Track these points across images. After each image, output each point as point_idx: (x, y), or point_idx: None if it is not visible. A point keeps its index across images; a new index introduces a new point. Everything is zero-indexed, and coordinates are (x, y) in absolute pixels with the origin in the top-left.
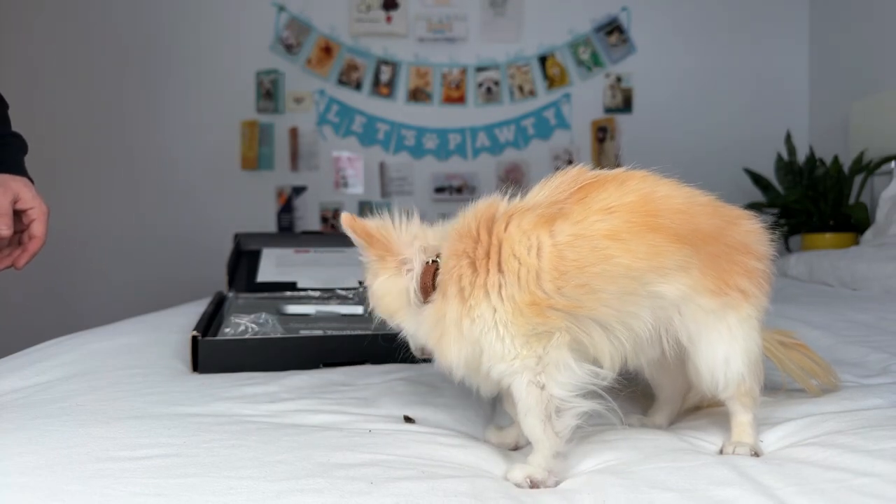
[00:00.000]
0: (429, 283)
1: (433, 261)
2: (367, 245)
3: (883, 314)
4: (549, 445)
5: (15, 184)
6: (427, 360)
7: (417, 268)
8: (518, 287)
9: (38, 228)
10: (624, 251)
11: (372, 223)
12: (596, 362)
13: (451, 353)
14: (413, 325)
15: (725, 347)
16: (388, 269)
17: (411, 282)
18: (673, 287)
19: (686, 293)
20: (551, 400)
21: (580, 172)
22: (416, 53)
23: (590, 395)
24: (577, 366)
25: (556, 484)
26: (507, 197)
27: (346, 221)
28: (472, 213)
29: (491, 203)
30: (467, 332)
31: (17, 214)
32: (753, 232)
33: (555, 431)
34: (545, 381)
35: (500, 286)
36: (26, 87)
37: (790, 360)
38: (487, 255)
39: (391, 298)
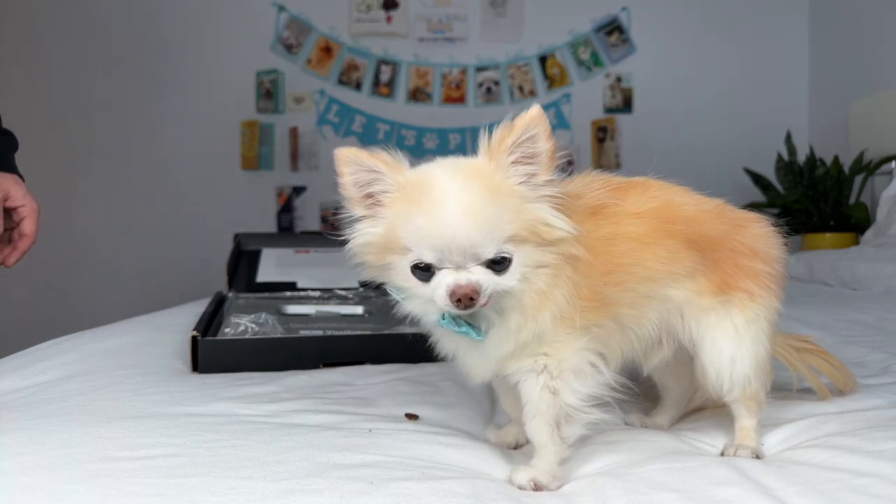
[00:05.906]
0: None
1: None
2: (389, 170)
3: (883, 314)
4: (554, 451)
5: (5, 181)
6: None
7: None
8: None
9: (28, 226)
10: (651, 255)
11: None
12: (602, 357)
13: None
14: None
15: (732, 348)
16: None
17: None
18: (681, 292)
19: (690, 297)
20: (563, 407)
21: (603, 177)
22: (416, 53)
23: (598, 402)
24: (594, 371)
25: (559, 487)
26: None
27: (347, 154)
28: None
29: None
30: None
31: (7, 212)
32: (761, 235)
33: (561, 438)
34: (559, 386)
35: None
36: (27, 87)
37: (802, 362)
38: None
39: None
